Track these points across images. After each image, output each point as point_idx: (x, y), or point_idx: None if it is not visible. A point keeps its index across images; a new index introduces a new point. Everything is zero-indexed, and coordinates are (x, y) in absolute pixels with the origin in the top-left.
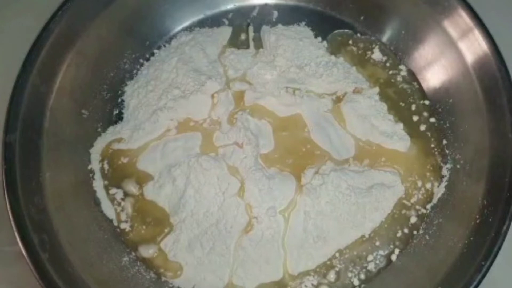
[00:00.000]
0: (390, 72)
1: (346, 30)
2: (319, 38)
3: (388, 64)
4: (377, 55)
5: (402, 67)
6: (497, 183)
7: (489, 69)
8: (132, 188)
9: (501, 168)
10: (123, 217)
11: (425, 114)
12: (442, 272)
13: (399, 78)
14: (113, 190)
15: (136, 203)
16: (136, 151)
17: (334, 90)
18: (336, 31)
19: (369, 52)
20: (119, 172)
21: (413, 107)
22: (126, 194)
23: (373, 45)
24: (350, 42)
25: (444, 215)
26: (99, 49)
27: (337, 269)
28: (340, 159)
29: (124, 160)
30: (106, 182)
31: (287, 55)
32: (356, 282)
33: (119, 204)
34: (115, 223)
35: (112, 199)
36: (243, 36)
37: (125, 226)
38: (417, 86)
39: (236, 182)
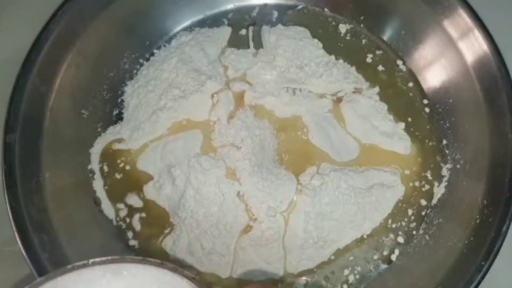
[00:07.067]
0: (390, 72)
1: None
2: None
3: (385, 64)
4: (343, 29)
5: (402, 67)
6: (497, 183)
7: (489, 69)
8: (135, 202)
9: (501, 168)
10: (130, 235)
11: (425, 114)
12: (442, 272)
13: (399, 78)
14: (118, 205)
15: (142, 217)
16: (136, 151)
17: (334, 90)
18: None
19: (334, 25)
20: (120, 177)
21: (413, 107)
22: (131, 209)
23: (340, 23)
24: (321, 17)
25: (444, 215)
26: (99, 49)
27: (336, 269)
28: (340, 159)
29: (124, 160)
30: (106, 187)
31: (287, 55)
32: (356, 282)
33: (124, 220)
34: (122, 238)
35: (116, 212)
36: (243, 36)
37: (134, 243)
38: (417, 86)
39: (236, 183)
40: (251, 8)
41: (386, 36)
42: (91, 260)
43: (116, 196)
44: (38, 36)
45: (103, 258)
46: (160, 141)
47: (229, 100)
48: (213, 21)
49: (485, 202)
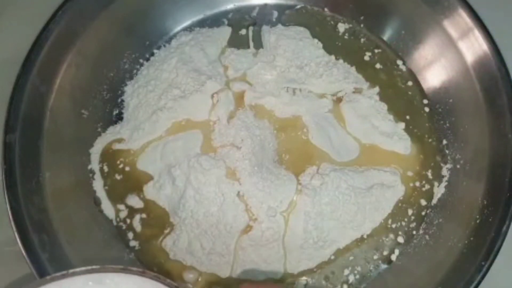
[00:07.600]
0: (390, 72)
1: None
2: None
3: (385, 63)
4: (342, 28)
5: (402, 67)
6: (497, 183)
7: (489, 69)
8: (135, 203)
9: (501, 168)
10: (130, 235)
11: (425, 114)
12: (442, 272)
13: (399, 78)
14: (119, 206)
15: (143, 218)
16: (136, 151)
17: (334, 90)
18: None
19: (333, 24)
20: (120, 177)
21: (413, 107)
22: (131, 210)
23: (339, 22)
24: (320, 17)
25: (444, 215)
26: (99, 49)
27: (336, 269)
28: (340, 160)
29: (124, 160)
30: (106, 187)
31: (287, 55)
32: (356, 282)
33: (124, 221)
34: (123, 238)
35: (117, 213)
36: (243, 36)
37: (134, 243)
38: (417, 86)
39: (236, 183)
40: (251, 8)
41: (386, 36)
42: (71, 270)
43: (116, 196)
44: (38, 36)
45: (83, 268)
46: (160, 141)
47: (229, 100)
48: (213, 21)
49: (485, 202)
